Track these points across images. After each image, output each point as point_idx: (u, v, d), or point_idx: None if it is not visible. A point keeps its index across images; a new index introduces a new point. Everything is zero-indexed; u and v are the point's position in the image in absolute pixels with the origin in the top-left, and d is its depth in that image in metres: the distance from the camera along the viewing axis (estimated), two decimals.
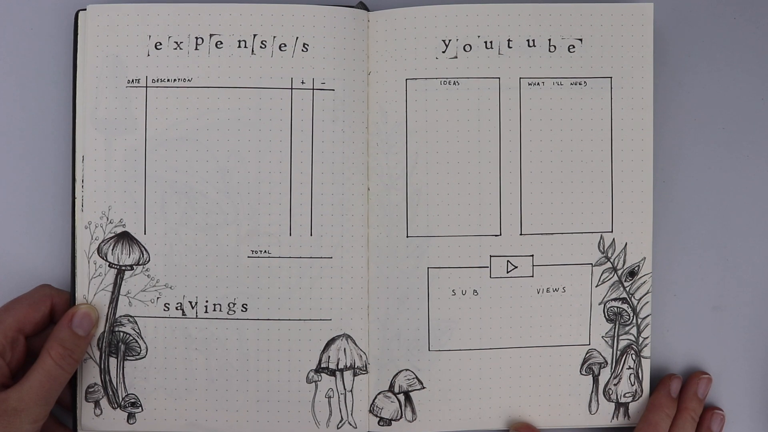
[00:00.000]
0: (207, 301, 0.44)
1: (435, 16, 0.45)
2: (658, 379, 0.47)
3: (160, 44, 0.45)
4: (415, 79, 0.45)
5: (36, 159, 0.46)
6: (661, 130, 0.47)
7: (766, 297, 0.48)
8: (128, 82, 0.44)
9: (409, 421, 0.45)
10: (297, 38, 0.44)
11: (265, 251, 0.45)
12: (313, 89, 0.44)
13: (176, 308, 0.44)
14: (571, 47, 0.45)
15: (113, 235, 0.44)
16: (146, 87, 0.44)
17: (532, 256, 0.45)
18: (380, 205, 0.45)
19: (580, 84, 0.45)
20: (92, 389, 0.44)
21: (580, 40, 0.45)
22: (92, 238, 0.44)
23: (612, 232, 0.45)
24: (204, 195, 0.45)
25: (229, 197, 0.45)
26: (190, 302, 0.44)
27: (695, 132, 0.48)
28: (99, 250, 0.44)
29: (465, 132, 0.45)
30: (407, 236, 0.45)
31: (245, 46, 0.44)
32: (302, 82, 0.44)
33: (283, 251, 0.45)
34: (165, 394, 0.44)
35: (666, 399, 0.45)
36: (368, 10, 0.45)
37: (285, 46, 0.44)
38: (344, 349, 0.44)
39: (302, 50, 0.44)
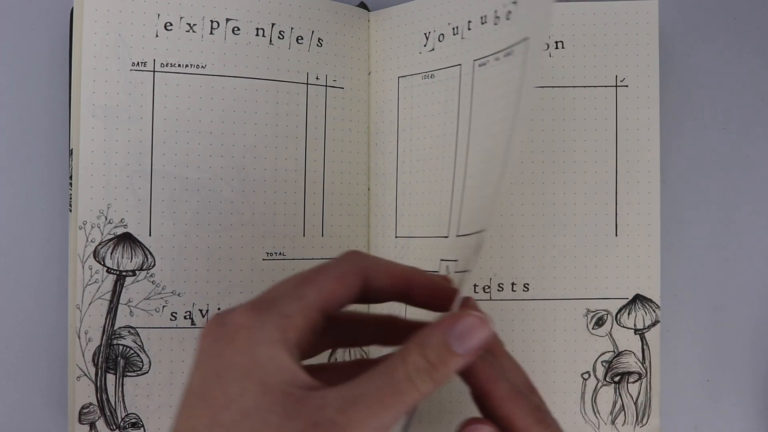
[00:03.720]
0: (219, 309, 0.42)
1: (427, 7, 0.45)
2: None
3: (171, 25, 0.42)
4: (404, 76, 0.46)
5: (35, 157, 0.47)
6: (661, 130, 0.48)
7: (766, 297, 0.49)
8: (132, 64, 0.42)
9: None
10: (313, 32, 0.45)
11: (280, 253, 0.44)
12: (326, 86, 0.45)
13: (185, 317, 0.42)
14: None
15: (113, 236, 0.41)
16: (153, 71, 0.42)
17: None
18: (378, 205, 0.47)
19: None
20: (87, 410, 0.41)
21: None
22: (87, 240, 0.41)
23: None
24: (218, 193, 0.43)
25: (245, 195, 0.43)
26: (201, 310, 0.43)
27: (695, 132, 0.49)
28: (95, 254, 0.41)
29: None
30: (395, 236, 0.46)
31: (263, 35, 0.44)
32: (317, 78, 0.45)
33: (297, 253, 0.44)
34: (170, 412, 0.42)
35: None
36: (369, 10, 0.47)
37: (302, 38, 0.44)
38: (349, 350, 0.45)
39: (317, 45, 0.45)
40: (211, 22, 0.43)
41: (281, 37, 0.44)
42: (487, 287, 0.46)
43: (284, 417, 0.26)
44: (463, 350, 0.28)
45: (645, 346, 0.46)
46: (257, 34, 0.43)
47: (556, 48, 0.46)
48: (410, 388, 0.27)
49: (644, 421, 0.47)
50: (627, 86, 0.46)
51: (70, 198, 0.43)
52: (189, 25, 0.42)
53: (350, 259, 0.32)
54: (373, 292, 0.32)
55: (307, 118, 0.45)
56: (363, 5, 0.47)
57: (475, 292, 0.46)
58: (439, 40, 0.46)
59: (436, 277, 0.33)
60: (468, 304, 0.31)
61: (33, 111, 0.47)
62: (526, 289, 0.46)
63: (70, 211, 0.43)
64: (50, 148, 0.47)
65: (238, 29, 0.43)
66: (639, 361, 0.46)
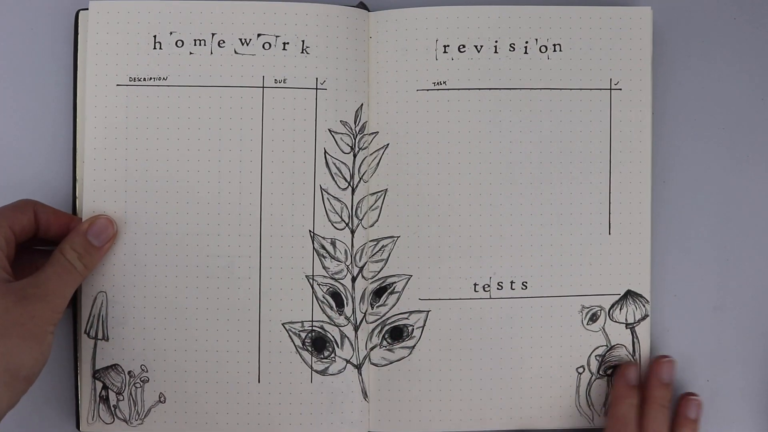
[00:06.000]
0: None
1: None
2: None
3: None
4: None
5: (37, 159, 0.49)
6: (661, 130, 0.50)
7: (766, 297, 0.51)
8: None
9: None
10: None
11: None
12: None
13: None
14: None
15: None
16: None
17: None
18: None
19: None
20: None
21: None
22: None
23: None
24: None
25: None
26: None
27: (695, 132, 0.51)
28: None
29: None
30: None
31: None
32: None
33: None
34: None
35: (625, 389, 0.47)
36: (369, 11, 0.48)
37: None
38: None
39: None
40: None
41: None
42: (487, 286, 0.48)
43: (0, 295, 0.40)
44: (99, 243, 0.45)
45: (635, 339, 0.49)
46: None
47: (554, 51, 0.48)
48: (72, 269, 0.43)
49: None
50: (621, 89, 0.48)
51: (74, 200, 0.48)
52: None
53: (22, 200, 0.45)
54: (43, 224, 0.45)
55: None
56: (363, 6, 0.49)
57: (475, 291, 0.48)
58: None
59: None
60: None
61: (34, 110, 0.49)
62: (524, 287, 0.48)
63: (74, 213, 0.48)
64: (52, 148, 0.49)
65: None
66: (630, 353, 0.49)
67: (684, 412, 0.48)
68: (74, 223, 0.46)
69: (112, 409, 0.47)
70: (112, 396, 0.47)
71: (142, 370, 0.47)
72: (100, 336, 0.47)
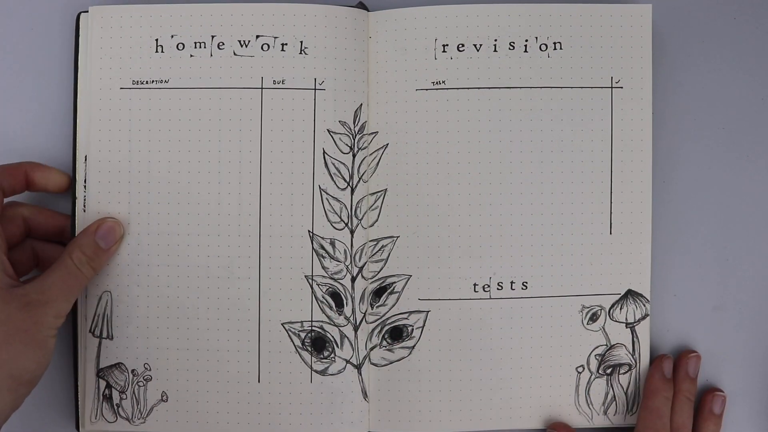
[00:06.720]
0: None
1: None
2: None
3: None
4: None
5: (37, 159, 0.48)
6: (661, 130, 0.50)
7: (766, 297, 0.51)
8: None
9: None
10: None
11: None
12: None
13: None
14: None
15: None
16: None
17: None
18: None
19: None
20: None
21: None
22: None
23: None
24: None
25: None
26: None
27: (695, 132, 0.51)
28: None
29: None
30: None
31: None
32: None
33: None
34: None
35: (661, 382, 0.48)
36: (368, 10, 0.49)
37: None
38: None
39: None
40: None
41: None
42: (486, 286, 0.49)
43: (1, 301, 0.40)
44: (107, 246, 0.46)
45: (635, 339, 0.49)
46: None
47: (555, 49, 0.48)
48: (79, 273, 0.44)
49: (634, 410, 0.49)
50: (622, 87, 0.48)
51: (74, 201, 0.48)
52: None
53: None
54: (36, 224, 0.46)
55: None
56: (362, 6, 0.49)
57: (475, 291, 0.49)
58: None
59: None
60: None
61: (34, 111, 0.50)
62: (524, 288, 0.49)
63: (73, 213, 0.48)
64: (52, 153, 0.50)
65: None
66: (629, 353, 0.49)
67: (709, 407, 0.49)
68: (61, 220, 0.47)
69: (115, 407, 0.48)
70: (115, 394, 0.48)
71: (146, 368, 0.48)
72: (104, 335, 0.48)
